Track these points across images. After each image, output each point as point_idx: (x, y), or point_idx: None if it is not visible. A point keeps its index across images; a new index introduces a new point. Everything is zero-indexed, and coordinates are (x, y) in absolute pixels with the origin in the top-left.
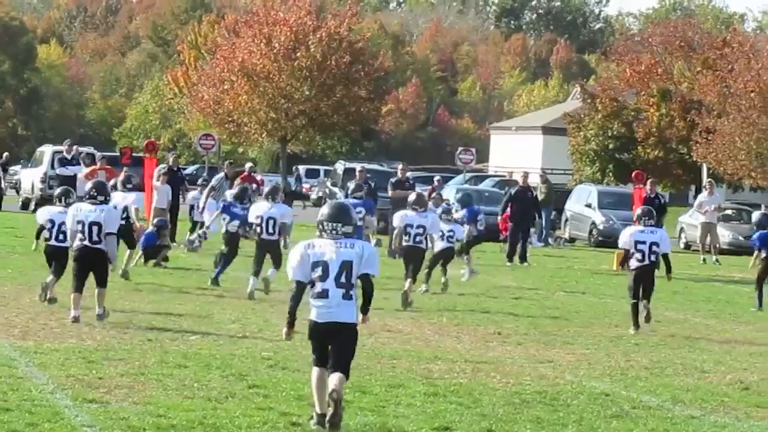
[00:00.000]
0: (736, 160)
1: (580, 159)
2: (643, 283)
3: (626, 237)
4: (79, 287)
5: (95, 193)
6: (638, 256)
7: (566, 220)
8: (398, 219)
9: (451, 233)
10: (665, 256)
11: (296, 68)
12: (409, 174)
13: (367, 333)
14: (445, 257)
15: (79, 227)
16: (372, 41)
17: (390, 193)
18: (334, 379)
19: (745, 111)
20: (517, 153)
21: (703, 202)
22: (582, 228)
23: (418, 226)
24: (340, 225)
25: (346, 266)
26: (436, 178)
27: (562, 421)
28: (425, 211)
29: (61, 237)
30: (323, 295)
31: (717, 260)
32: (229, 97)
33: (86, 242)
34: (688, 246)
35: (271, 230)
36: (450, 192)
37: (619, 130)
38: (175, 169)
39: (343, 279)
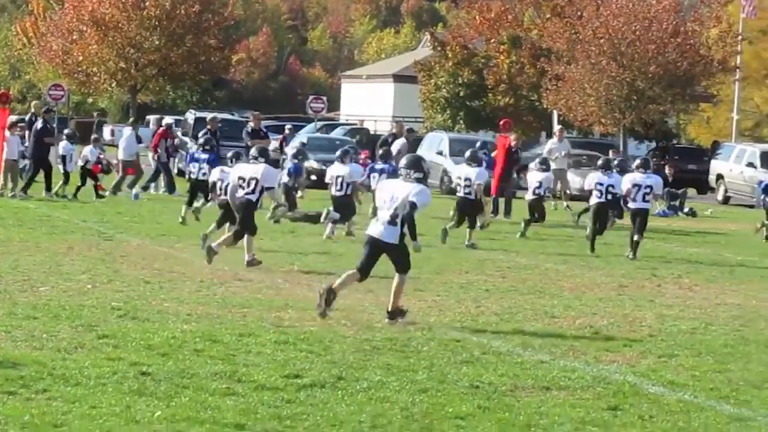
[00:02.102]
0: (586, 106)
1: (431, 107)
2: (600, 219)
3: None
4: None
5: None
6: (596, 194)
7: None
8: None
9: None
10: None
11: (145, 17)
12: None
13: (218, 282)
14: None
15: None
16: None
17: (248, 142)
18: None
19: (594, 58)
20: (369, 101)
21: (552, 149)
22: (434, 176)
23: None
24: None
25: None
26: (288, 126)
27: (413, 367)
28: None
29: None
30: None
31: (568, 206)
32: (78, 48)
33: None
34: None
35: None
36: (298, 140)
37: (469, 77)
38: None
39: None
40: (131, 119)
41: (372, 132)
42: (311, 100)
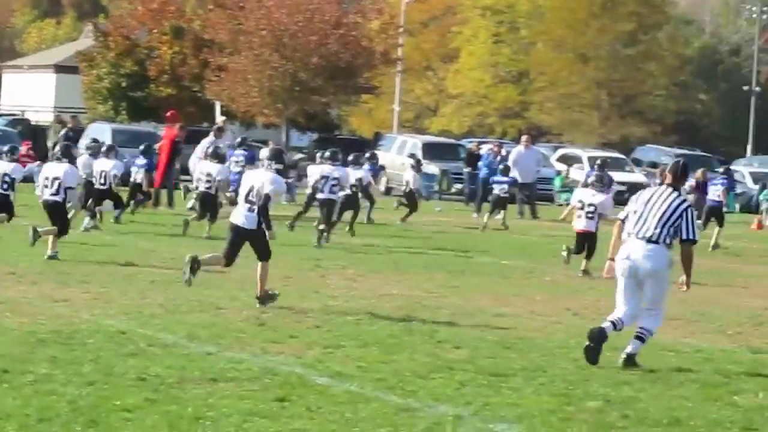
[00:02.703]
0: (249, 97)
1: (93, 97)
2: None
3: None
4: None
5: None
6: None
7: None
8: None
9: None
10: None
11: None
12: None
13: None
14: None
15: None
16: None
17: None
18: None
19: (257, 49)
20: (30, 92)
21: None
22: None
23: None
24: None
25: None
26: None
27: (79, 359)
28: None
29: None
30: None
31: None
32: None
33: None
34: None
35: None
36: None
37: (131, 68)
38: None
39: None
40: None
41: (33, 123)
42: None
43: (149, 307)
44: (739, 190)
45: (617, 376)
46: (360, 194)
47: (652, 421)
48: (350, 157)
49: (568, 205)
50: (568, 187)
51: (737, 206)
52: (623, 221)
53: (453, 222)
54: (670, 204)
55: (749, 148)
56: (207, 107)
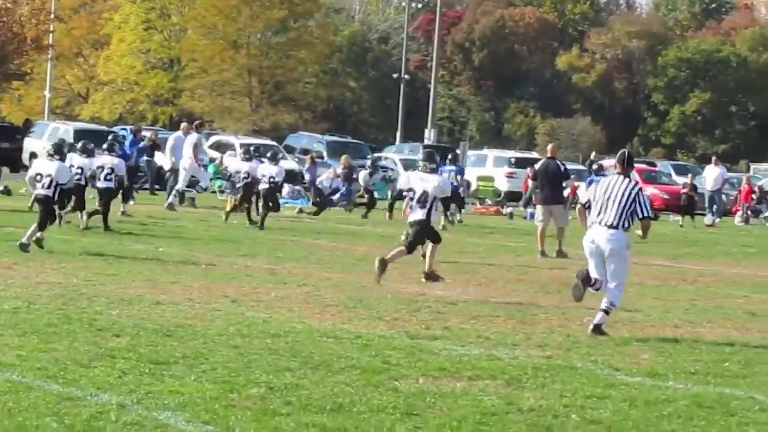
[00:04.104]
0: None
1: None
2: None
3: None
4: None
5: None
6: None
7: None
8: None
9: None
10: None
11: None
12: None
13: None
14: None
15: None
16: None
17: None
18: None
19: None
20: None
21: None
22: None
23: None
24: None
25: None
26: None
27: None
28: None
29: None
30: None
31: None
32: None
33: None
34: None
35: None
36: None
37: None
38: None
39: None
40: None
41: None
42: None
43: None
44: (392, 176)
45: (279, 362)
46: None
47: (315, 407)
48: None
49: (222, 192)
50: (222, 175)
51: (389, 193)
52: (584, 205)
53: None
54: (623, 191)
55: (398, 135)
56: None
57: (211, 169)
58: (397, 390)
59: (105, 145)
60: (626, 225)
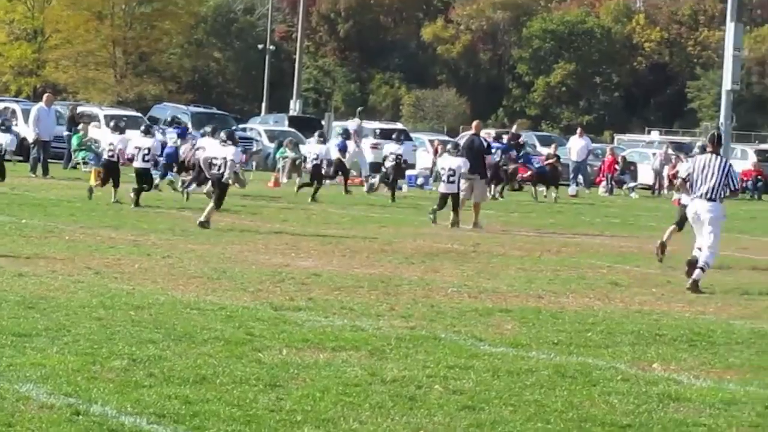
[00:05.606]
0: None
1: None
2: None
3: None
4: None
5: None
6: None
7: None
8: None
9: None
10: None
11: None
12: None
13: None
14: None
15: None
16: None
17: None
18: None
19: None
20: None
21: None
22: None
23: None
24: None
25: None
26: None
27: None
28: None
29: None
30: None
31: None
32: None
33: None
34: None
35: None
36: None
37: None
38: None
39: None
40: None
41: None
42: None
43: None
44: (255, 148)
45: (142, 334)
46: None
47: (178, 379)
48: None
49: (86, 164)
50: (86, 146)
51: (254, 164)
52: (684, 180)
53: None
54: (718, 168)
55: (264, 106)
56: None
57: (75, 140)
58: (261, 361)
59: (142, 127)
60: (722, 197)
